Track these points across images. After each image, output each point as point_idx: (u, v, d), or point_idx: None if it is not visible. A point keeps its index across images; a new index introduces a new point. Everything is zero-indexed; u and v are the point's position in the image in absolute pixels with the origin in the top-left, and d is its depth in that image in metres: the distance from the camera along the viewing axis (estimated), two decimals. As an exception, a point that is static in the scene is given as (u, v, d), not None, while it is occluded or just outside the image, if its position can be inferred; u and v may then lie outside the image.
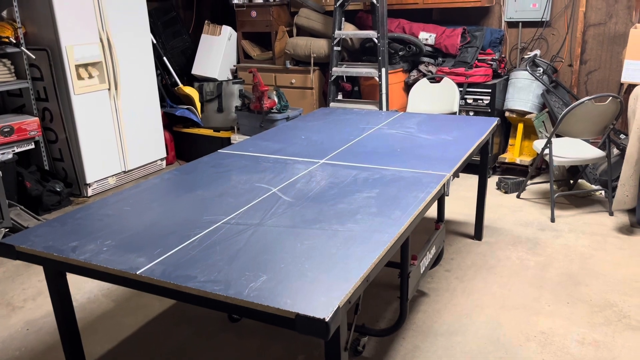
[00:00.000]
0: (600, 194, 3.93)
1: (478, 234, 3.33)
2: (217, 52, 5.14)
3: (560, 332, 2.39)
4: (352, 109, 4.35)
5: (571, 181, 4.05)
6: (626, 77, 3.37)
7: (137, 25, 4.48)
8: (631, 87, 3.42)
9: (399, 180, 2.17)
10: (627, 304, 2.58)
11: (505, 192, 4.06)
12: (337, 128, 3.09)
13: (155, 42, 4.85)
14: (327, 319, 1.25)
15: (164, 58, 5.04)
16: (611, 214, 3.59)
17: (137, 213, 1.92)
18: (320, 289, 1.38)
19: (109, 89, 4.31)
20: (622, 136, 3.89)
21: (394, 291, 2.79)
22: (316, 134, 2.96)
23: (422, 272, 2.35)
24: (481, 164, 3.20)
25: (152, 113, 4.74)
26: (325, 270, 1.47)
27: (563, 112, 3.40)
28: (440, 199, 2.80)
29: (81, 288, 2.91)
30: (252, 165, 2.45)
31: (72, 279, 2.98)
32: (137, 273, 1.49)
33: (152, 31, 4.73)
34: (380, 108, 4.39)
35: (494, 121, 3.10)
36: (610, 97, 3.31)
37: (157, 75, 4.83)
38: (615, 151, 3.84)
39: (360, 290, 1.45)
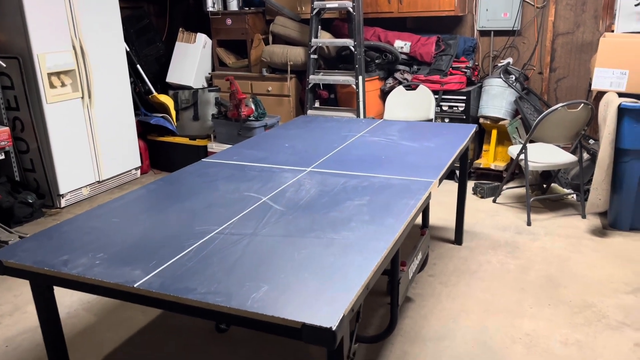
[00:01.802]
0: (572, 197, 4.05)
1: (458, 239, 3.39)
2: (192, 60, 5.10)
3: (544, 333, 2.45)
4: (331, 116, 4.37)
5: (544, 185, 4.16)
6: (596, 85, 3.50)
7: (110, 33, 4.41)
8: (600, 94, 3.55)
9: (388, 188, 2.19)
10: (604, 304, 2.66)
11: (482, 197, 4.14)
12: (319, 136, 3.10)
13: (128, 49, 4.78)
14: (334, 328, 1.25)
15: (138, 66, 4.97)
16: (584, 216, 3.70)
17: (126, 225, 1.89)
18: (323, 298, 1.38)
19: (82, 98, 4.22)
20: (592, 141, 4.02)
21: (379, 297, 2.81)
22: (300, 142, 2.96)
23: (410, 277, 2.37)
24: (461, 170, 3.26)
25: (126, 122, 4.66)
26: (326, 280, 1.48)
27: (537, 119, 3.49)
28: (426, 205, 2.84)
29: (61, 302, 2.83)
30: (238, 174, 2.44)
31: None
32: (135, 286, 1.46)
33: (125, 39, 4.66)
34: (358, 115, 4.43)
35: (472, 128, 3.16)
36: (582, 104, 3.42)
37: (131, 83, 4.75)
38: (585, 156, 3.97)
39: (362, 298, 1.46)
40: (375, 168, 2.45)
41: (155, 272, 1.54)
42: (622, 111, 3.22)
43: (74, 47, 4.09)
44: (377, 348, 2.38)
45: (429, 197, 2.19)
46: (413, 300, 2.76)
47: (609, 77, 3.42)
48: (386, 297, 2.79)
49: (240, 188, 2.24)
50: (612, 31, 3.98)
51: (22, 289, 2.98)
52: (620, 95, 3.36)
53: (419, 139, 2.94)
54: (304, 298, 1.38)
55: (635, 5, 3.86)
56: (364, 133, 3.13)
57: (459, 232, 3.38)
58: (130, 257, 1.63)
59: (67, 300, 2.85)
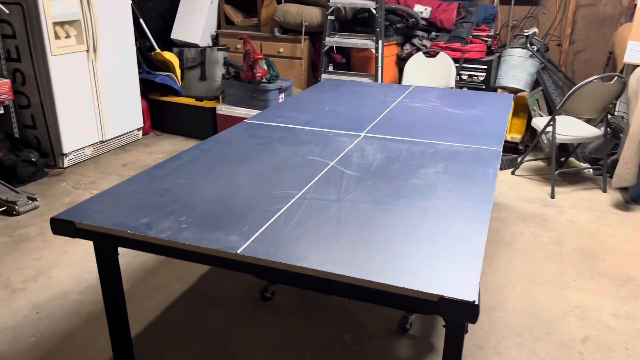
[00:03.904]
0: (589, 171, 4.06)
1: (486, 210, 3.35)
2: (199, 16, 4.83)
3: (593, 306, 2.44)
4: (345, 80, 4.24)
5: (562, 159, 4.16)
6: (629, 58, 3.46)
7: (115, -17, 4.12)
8: (630, 67, 3.53)
9: (457, 155, 2.10)
10: (646, 277, 2.68)
11: (500, 169, 4.11)
12: (357, 101, 2.97)
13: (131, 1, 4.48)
14: (476, 301, 1.17)
15: (140, 20, 4.68)
16: (605, 190, 3.72)
17: (198, 187, 1.75)
18: (453, 269, 1.30)
19: (87, 51, 3.94)
20: (610, 116, 4.02)
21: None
22: (340, 106, 2.83)
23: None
24: (496, 140, 3.19)
25: (130, 79, 4.41)
26: (441, 249, 1.39)
27: (570, 91, 3.45)
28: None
29: (86, 268, 2.67)
30: (290, 137, 2.30)
31: (75, 259, 2.73)
32: (239, 252, 1.34)
33: (129, -10, 4.37)
34: (376, 80, 4.30)
35: (511, 98, 3.09)
36: (616, 77, 3.39)
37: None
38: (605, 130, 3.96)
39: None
40: (433, 134, 2.36)
41: (254, 237, 1.42)
42: (658, 86, 3.19)
43: (80, -4, 3.80)
44: (431, 319, 2.33)
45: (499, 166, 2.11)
46: (455, 270, 2.72)
47: (643, 51, 3.39)
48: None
49: (300, 152, 2.12)
50: (635, 5, 3.94)
51: (42, 253, 2.80)
52: (654, 69, 3.34)
53: (462, 107, 2.85)
54: (428, 269, 1.29)
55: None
56: (402, 99, 3.02)
57: (488, 203, 3.34)
58: (218, 222, 1.50)
59: (93, 265, 2.69)
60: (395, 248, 1.39)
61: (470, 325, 2.29)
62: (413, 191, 1.75)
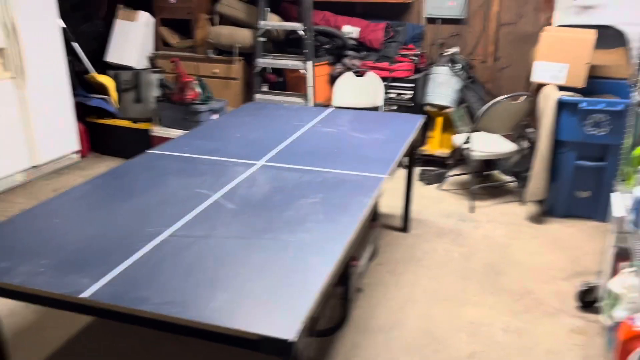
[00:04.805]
0: (512, 184, 4.22)
1: (405, 226, 3.46)
2: (133, 39, 4.87)
3: (486, 321, 2.56)
4: (280, 101, 4.32)
5: (486, 172, 4.31)
6: (536, 78, 3.62)
7: (44, 9, 4.14)
8: (540, 85, 3.69)
9: (341, 184, 2.20)
10: (542, 291, 2.81)
11: (428, 184, 4.24)
12: (271, 125, 3.06)
13: (64, 26, 4.50)
14: (292, 340, 1.25)
15: (74, 44, 4.70)
16: (523, 203, 3.87)
17: (72, 226, 1.80)
18: (281, 307, 1.38)
19: (15, 78, 3.96)
20: (531, 129, 4.19)
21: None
22: (251, 132, 2.92)
23: (361, 271, 2.41)
24: (410, 160, 3.31)
25: (63, 103, 4.42)
26: (284, 286, 1.47)
27: (480, 110, 3.59)
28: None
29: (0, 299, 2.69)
30: (189, 168, 2.37)
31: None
32: (83, 297, 1.40)
33: (60, 14, 4.38)
34: (307, 101, 4.40)
35: (419, 119, 3.21)
36: (524, 96, 3.54)
37: (68, 62, 4.50)
38: (525, 144, 4.12)
39: (321, 303, 1.47)
40: (329, 162, 2.45)
41: (106, 280, 1.48)
42: (560, 105, 3.36)
43: (5, 24, 3.81)
44: (327, 340, 2.42)
45: (381, 192, 2.21)
46: (362, 289, 2.81)
47: (548, 71, 3.56)
48: (336, 287, 2.83)
49: (191, 184, 2.19)
50: (551, 23, 4.13)
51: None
52: (560, 88, 3.50)
53: (369, 131, 2.96)
54: (262, 307, 1.38)
55: (574, -1, 4.02)
56: (315, 123, 3.12)
57: (406, 219, 3.45)
58: (78, 264, 1.56)
59: (3, 297, 2.71)
60: (240, 287, 1.47)
61: (362, 345, 2.38)
62: (283, 224, 1.84)
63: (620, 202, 2.29)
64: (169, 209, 1.95)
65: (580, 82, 3.48)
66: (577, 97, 3.37)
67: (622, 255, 2.28)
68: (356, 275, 2.30)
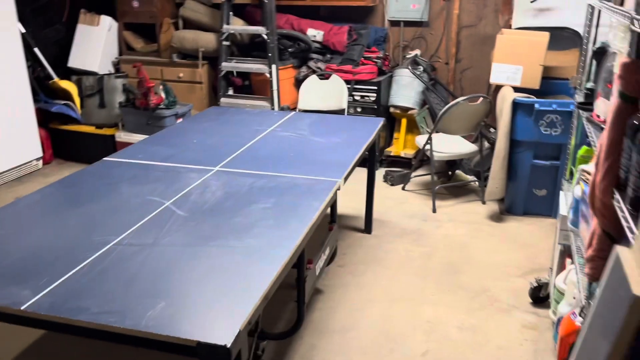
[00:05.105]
0: (475, 183, 4.30)
1: (368, 228, 3.50)
2: (96, 44, 4.83)
3: (443, 320, 2.61)
4: (245, 105, 4.33)
5: (449, 172, 4.38)
6: (494, 79, 3.70)
7: (1, 13, 4.08)
8: (498, 87, 3.77)
9: (294, 188, 2.22)
10: (498, 288, 2.88)
11: (392, 185, 4.29)
12: (230, 130, 3.07)
13: (24, 31, 4.44)
14: (228, 345, 1.27)
15: (35, 49, 4.64)
16: (484, 202, 3.95)
17: (17, 236, 1.79)
18: (221, 313, 1.40)
19: (-28, 85, 3.89)
20: (492, 130, 4.27)
21: (290, 291, 2.86)
22: (209, 137, 2.92)
23: (317, 274, 2.44)
24: (369, 162, 3.35)
25: (24, 110, 4.36)
26: (226, 292, 1.49)
27: (440, 113, 3.66)
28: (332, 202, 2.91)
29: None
30: (142, 175, 2.37)
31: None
32: (22, 308, 1.40)
33: (20, 19, 4.33)
34: (272, 104, 4.42)
35: (379, 122, 3.26)
36: (481, 98, 3.62)
37: (29, 68, 4.44)
38: (486, 144, 4.21)
39: (261, 308, 1.49)
40: (283, 167, 2.48)
41: (46, 290, 1.48)
42: (515, 105, 3.44)
43: (-41, 30, 3.75)
44: (286, 343, 2.44)
45: (335, 196, 2.25)
46: (323, 291, 2.84)
47: (505, 72, 3.64)
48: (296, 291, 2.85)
49: (143, 191, 2.19)
50: (510, 26, 4.22)
51: None
52: (516, 89, 3.58)
53: (327, 135, 2.99)
54: (201, 314, 1.39)
55: (531, 1, 4.11)
56: (275, 127, 3.14)
57: (369, 221, 3.49)
58: (20, 274, 1.56)
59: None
60: (181, 294, 1.48)
61: (319, 347, 2.41)
62: (231, 231, 1.86)
63: (565, 201, 2.37)
64: (119, 217, 1.95)
65: (535, 83, 3.56)
66: (531, 98, 3.46)
67: (569, 252, 2.35)
68: (311, 278, 2.32)
